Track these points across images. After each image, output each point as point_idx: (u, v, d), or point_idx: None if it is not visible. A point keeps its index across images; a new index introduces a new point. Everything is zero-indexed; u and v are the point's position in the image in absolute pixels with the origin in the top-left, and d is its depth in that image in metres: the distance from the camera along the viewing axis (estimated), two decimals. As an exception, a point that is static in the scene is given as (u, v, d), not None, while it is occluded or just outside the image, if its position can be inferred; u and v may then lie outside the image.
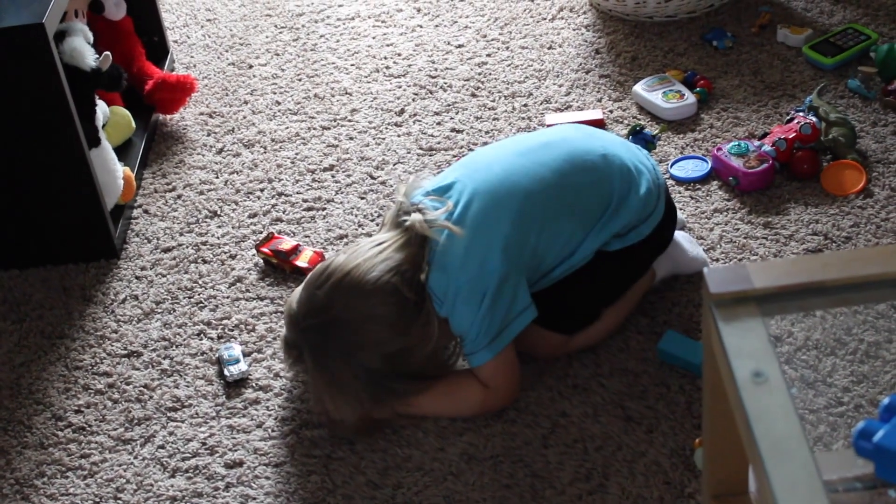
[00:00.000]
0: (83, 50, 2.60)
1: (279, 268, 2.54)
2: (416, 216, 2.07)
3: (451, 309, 2.05)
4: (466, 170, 2.17)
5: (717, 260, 2.40)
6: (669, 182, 2.61)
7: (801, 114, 2.67)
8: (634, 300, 2.28)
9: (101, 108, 2.76)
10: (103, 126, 2.74)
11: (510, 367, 2.12)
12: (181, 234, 2.70)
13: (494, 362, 2.08)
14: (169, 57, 3.30)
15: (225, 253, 2.63)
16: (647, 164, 2.24)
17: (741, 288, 1.36)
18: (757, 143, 2.62)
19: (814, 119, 2.62)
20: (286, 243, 2.56)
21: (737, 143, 2.61)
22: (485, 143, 2.83)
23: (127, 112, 2.93)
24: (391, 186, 2.74)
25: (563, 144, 2.20)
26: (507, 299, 2.06)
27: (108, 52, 2.65)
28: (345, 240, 2.61)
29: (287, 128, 3.01)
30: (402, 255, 2.04)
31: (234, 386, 2.29)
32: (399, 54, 3.25)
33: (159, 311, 2.50)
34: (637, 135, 2.75)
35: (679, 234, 2.35)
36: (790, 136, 2.59)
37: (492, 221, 2.07)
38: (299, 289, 2.12)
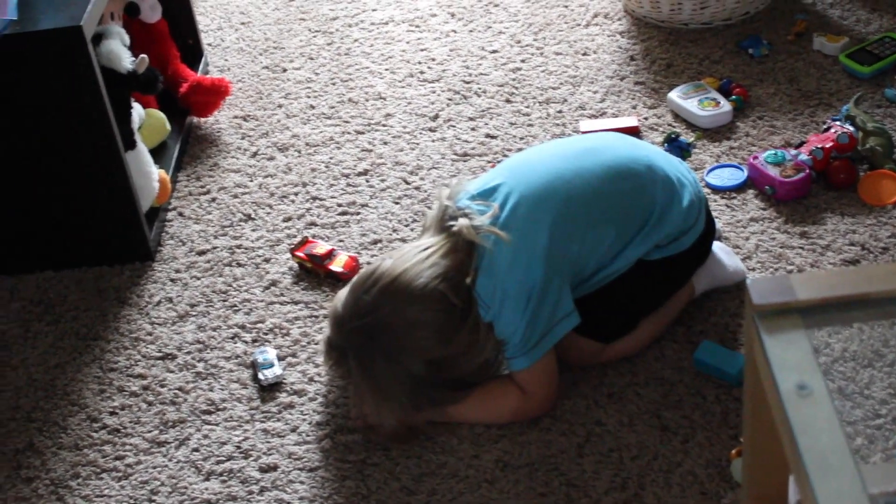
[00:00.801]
0: (120, 53, 2.60)
1: (313, 272, 2.54)
2: (463, 221, 2.06)
3: (498, 313, 2.05)
4: (511, 172, 2.16)
5: (754, 269, 2.39)
6: (705, 190, 2.60)
7: (837, 123, 2.65)
8: (672, 314, 2.27)
9: (137, 110, 2.77)
10: (138, 128, 2.75)
11: (550, 373, 2.11)
12: (215, 238, 2.71)
13: (535, 367, 2.08)
14: (203, 60, 3.31)
15: (259, 256, 2.63)
16: (689, 178, 2.24)
17: (785, 299, 1.36)
18: (793, 151, 2.61)
19: (851, 128, 2.61)
20: (321, 247, 2.56)
21: (773, 151, 2.59)
22: (519, 149, 2.83)
23: (162, 115, 2.94)
24: (426, 192, 2.74)
25: (607, 151, 2.19)
26: (551, 304, 2.05)
27: (144, 55, 2.66)
28: (379, 245, 2.61)
29: (321, 132, 3.01)
30: (448, 261, 2.04)
31: (269, 390, 2.29)
32: (433, 59, 3.25)
33: (194, 313, 2.50)
34: (672, 142, 2.74)
35: (717, 247, 2.34)
36: (827, 146, 2.57)
37: (537, 225, 2.06)
38: (344, 291, 2.12)
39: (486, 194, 2.12)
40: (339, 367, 2.14)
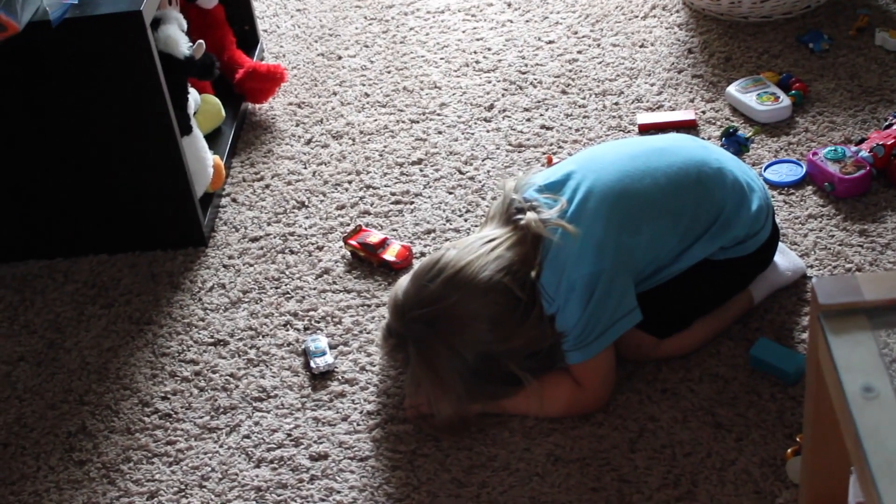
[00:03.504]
0: (177, 38, 2.61)
1: (366, 261, 2.54)
2: (531, 215, 2.05)
3: (562, 306, 2.03)
4: (580, 167, 2.15)
5: (812, 266, 2.36)
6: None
7: (899, 120, 2.62)
8: (727, 320, 2.24)
9: (193, 95, 2.77)
10: (194, 114, 2.75)
11: (607, 368, 2.10)
12: (269, 224, 2.71)
13: (593, 362, 2.06)
14: (259, 46, 3.31)
15: (312, 244, 2.63)
16: (758, 183, 2.22)
17: (851, 300, 1.34)
18: (854, 148, 2.57)
19: (913, 125, 2.57)
20: (374, 236, 2.55)
21: (833, 148, 2.56)
22: (574, 141, 2.81)
23: (217, 100, 2.94)
24: (479, 182, 2.73)
25: (678, 152, 2.17)
26: (615, 299, 2.04)
27: (201, 41, 2.66)
28: (432, 234, 2.60)
29: (375, 120, 3.01)
30: (513, 254, 2.03)
31: (320, 378, 2.28)
32: (489, 49, 3.24)
33: (246, 300, 2.50)
34: (730, 137, 2.71)
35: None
36: (888, 143, 2.54)
37: (605, 220, 2.05)
38: (405, 279, 2.12)
39: (555, 187, 2.11)
40: (396, 354, 2.14)
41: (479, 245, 2.05)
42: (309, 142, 2.96)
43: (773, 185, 2.58)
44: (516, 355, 2.06)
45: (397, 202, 2.71)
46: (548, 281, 2.03)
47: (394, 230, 2.63)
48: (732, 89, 2.87)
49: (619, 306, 2.05)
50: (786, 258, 2.34)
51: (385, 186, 2.77)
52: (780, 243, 2.36)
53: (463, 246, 2.06)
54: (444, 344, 2.02)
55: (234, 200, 2.80)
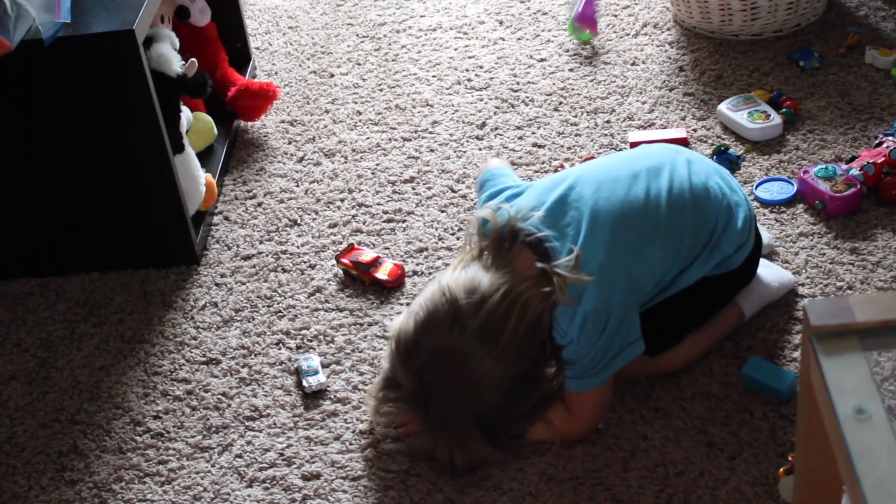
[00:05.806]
0: (170, 56, 2.61)
1: (359, 279, 2.54)
2: (559, 285, 1.96)
3: (576, 338, 2.01)
4: (578, 191, 2.11)
5: (803, 284, 2.36)
6: (754, 203, 2.58)
7: (889, 138, 2.62)
8: (718, 335, 2.24)
9: (185, 113, 2.78)
10: (186, 132, 2.75)
11: (603, 400, 2.09)
12: (261, 242, 2.71)
13: (592, 392, 2.05)
14: (251, 64, 3.31)
15: (304, 262, 2.63)
16: (741, 194, 2.22)
17: (843, 321, 1.34)
18: (844, 166, 2.58)
19: (903, 144, 2.58)
20: (366, 255, 2.55)
21: (824, 166, 2.57)
22: (566, 160, 2.81)
23: (209, 118, 2.95)
24: (472, 200, 2.73)
25: (673, 173, 2.15)
26: (624, 330, 2.03)
27: (193, 59, 2.66)
28: (424, 253, 2.60)
29: (368, 138, 3.01)
30: (535, 316, 1.95)
31: (313, 397, 2.28)
32: (481, 67, 3.24)
33: (238, 318, 2.50)
34: (721, 155, 2.72)
35: (760, 267, 2.31)
36: (879, 161, 2.54)
37: (615, 251, 2.03)
38: (407, 325, 1.99)
39: (555, 213, 2.07)
40: (395, 403, 2.08)
41: (497, 299, 1.93)
42: (301, 160, 2.97)
43: (765, 203, 2.59)
44: (537, 408, 2.03)
45: (389, 220, 2.72)
46: (562, 314, 2.01)
47: (386, 248, 2.63)
48: (723, 107, 2.88)
49: (626, 338, 2.04)
50: (770, 271, 2.34)
51: (377, 204, 2.77)
52: (764, 261, 2.36)
53: (477, 300, 1.94)
54: (462, 407, 1.97)
55: (226, 218, 2.80)
